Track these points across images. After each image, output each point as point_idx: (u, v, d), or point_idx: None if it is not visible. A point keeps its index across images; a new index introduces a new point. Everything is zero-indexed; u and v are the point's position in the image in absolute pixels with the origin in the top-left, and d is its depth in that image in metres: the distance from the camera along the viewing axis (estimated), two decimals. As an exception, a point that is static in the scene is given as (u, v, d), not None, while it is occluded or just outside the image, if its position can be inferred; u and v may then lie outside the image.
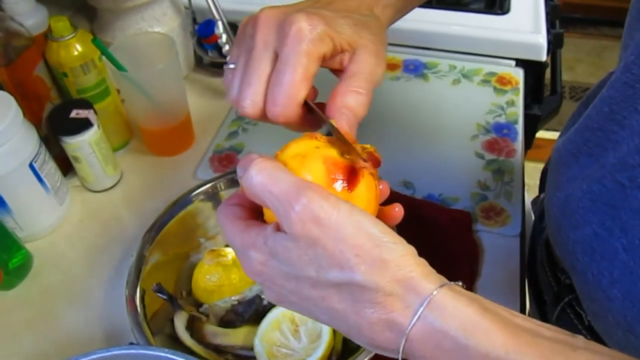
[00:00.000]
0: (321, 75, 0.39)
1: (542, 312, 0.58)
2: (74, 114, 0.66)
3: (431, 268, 0.31)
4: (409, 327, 0.29)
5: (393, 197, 0.69)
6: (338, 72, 0.40)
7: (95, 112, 0.67)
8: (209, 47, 0.88)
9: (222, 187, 0.62)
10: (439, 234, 0.65)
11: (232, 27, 0.71)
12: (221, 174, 0.63)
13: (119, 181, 0.75)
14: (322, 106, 0.39)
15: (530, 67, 0.87)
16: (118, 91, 0.76)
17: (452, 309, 0.29)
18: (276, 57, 0.37)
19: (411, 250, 0.31)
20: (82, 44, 0.67)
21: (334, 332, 0.53)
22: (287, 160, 0.34)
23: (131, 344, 0.57)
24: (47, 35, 0.67)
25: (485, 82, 0.85)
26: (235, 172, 0.63)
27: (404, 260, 0.30)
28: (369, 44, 0.40)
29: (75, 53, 0.67)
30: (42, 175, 0.64)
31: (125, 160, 0.77)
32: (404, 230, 0.58)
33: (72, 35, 0.66)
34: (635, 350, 0.43)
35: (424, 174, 0.73)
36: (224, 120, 0.83)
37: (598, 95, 0.53)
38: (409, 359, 0.31)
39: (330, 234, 0.29)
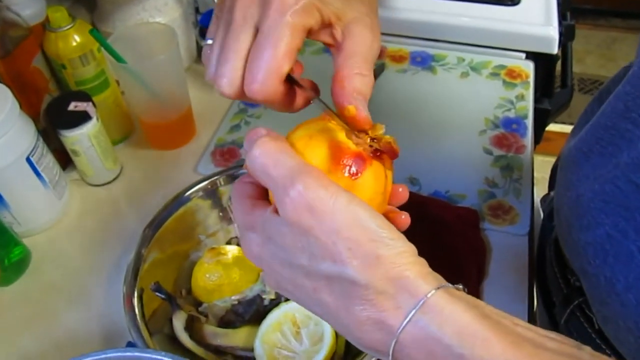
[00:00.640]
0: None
1: (550, 315, 0.56)
2: (72, 106, 0.65)
3: (430, 269, 0.30)
4: (399, 330, 0.28)
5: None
6: (331, 47, 0.38)
7: (94, 105, 0.66)
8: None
9: (222, 183, 0.61)
10: (445, 232, 0.63)
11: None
12: (220, 170, 0.62)
13: (118, 175, 0.73)
14: (307, 83, 0.37)
15: (541, 60, 0.85)
16: (117, 83, 0.74)
17: (448, 314, 0.27)
18: (256, 32, 0.34)
19: (410, 248, 0.29)
20: (80, 34, 0.66)
21: (336, 334, 0.51)
22: (295, 141, 0.33)
23: (129, 343, 0.56)
24: (45, 26, 0.65)
25: (494, 75, 0.83)
26: (235, 167, 0.62)
27: (400, 258, 0.28)
28: (363, 17, 0.37)
29: (74, 44, 0.65)
30: (39, 170, 0.63)
31: (126, 154, 0.76)
32: (409, 227, 0.57)
33: (70, 26, 0.65)
34: None
35: (431, 170, 0.71)
36: (226, 113, 0.81)
37: (613, 92, 0.51)
38: None
39: (324, 224, 0.28)
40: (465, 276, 0.61)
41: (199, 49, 0.88)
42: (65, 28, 0.64)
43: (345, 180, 0.32)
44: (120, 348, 0.44)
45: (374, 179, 0.33)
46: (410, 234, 0.55)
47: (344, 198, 0.28)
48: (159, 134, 0.75)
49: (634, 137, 0.42)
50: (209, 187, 0.60)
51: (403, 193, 0.37)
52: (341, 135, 0.33)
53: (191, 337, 0.53)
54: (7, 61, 0.62)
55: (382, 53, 0.88)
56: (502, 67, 0.84)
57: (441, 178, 0.70)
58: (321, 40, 0.37)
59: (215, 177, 0.60)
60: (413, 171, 0.71)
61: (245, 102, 0.81)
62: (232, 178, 0.61)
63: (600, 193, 0.43)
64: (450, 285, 0.29)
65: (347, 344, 0.52)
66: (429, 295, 0.27)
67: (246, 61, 0.34)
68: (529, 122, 0.76)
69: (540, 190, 0.75)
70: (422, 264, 0.29)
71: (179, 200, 0.59)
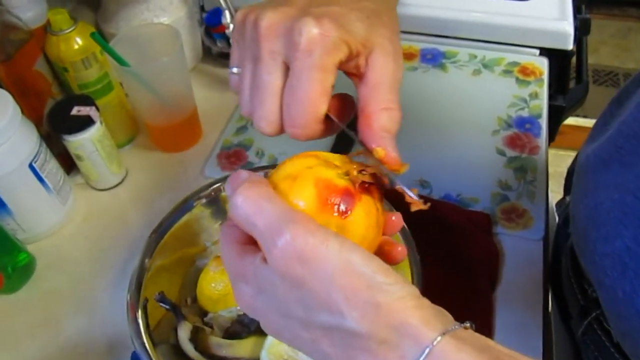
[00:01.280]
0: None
1: (567, 327, 0.55)
2: (75, 111, 0.64)
3: (435, 309, 0.27)
4: None
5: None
6: (352, 75, 0.36)
7: (98, 109, 0.65)
8: (218, 37, 0.85)
9: (225, 189, 0.60)
10: (457, 237, 0.62)
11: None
12: (223, 177, 0.60)
13: (124, 179, 0.72)
14: (344, 101, 0.36)
15: (555, 56, 0.83)
16: (121, 85, 0.73)
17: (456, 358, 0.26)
18: (286, 68, 0.33)
19: (411, 290, 0.27)
20: (82, 37, 0.64)
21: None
22: (278, 182, 0.31)
23: (134, 354, 0.55)
24: (46, 29, 0.64)
25: (507, 72, 0.80)
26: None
27: (400, 304, 0.26)
28: (386, 43, 0.36)
29: (76, 47, 0.64)
30: (42, 176, 0.62)
31: (131, 157, 0.75)
32: (420, 233, 0.55)
33: (72, 29, 0.63)
34: None
35: (442, 172, 0.69)
36: (232, 113, 0.79)
37: (634, 99, 0.49)
38: None
39: (317, 273, 0.26)
40: (478, 283, 0.59)
41: (205, 48, 0.87)
42: (67, 31, 0.63)
43: (335, 220, 0.30)
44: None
45: (365, 213, 0.32)
46: (420, 239, 0.54)
47: (335, 243, 0.27)
48: (165, 136, 0.74)
49: None
50: (213, 194, 0.59)
51: (397, 221, 0.35)
52: (327, 172, 0.31)
53: (196, 347, 0.51)
54: (9, 65, 0.60)
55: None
56: (515, 64, 0.81)
57: (452, 180, 0.68)
58: (345, 70, 0.35)
59: (219, 184, 0.59)
60: (423, 173, 0.69)
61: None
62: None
63: (620, 204, 0.42)
64: (457, 325, 0.27)
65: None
66: (434, 342, 0.26)
67: (281, 100, 0.34)
68: (543, 121, 0.74)
69: (554, 185, 0.73)
70: (426, 307, 0.27)
71: (183, 207, 0.57)
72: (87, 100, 0.65)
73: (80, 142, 0.64)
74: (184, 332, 0.51)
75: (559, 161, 0.67)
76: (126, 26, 0.76)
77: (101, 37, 0.64)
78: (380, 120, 0.34)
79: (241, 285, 0.30)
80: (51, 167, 0.64)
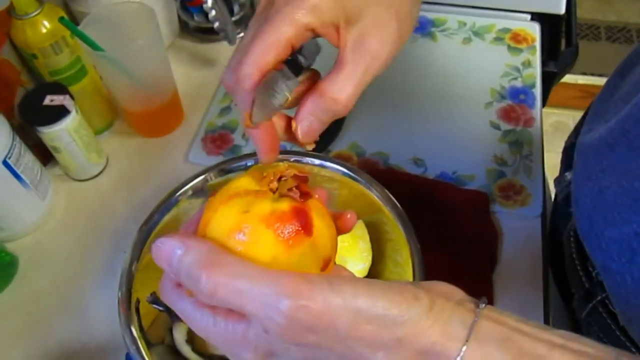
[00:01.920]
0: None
1: (569, 307, 0.54)
2: (47, 100, 0.60)
3: (449, 310, 0.27)
4: None
5: (403, 178, 0.65)
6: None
7: (72, 97, 0.61)
8: (195, 11, 0.80)
9: (212, 178, 0.57)
10: (455, 218, 0.60)
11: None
12: (208, 167, 0.57)
13: (104, 168, 0.69)
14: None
15: (547, 21, 0.80)
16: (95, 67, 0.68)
17: None
18: None
19: (422, 307, 0.26)
20: (50, 20, 0.60)
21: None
22: (226, 243, 0.28)
23: (127, 355, 0.53)
24: (10, 12, 0.59)
25: (498, 40, 0.78)
26: (225, 162, 0.58)
27: (419, 329, 0.26)
28: (376, 24, 0.34)
29: (44, 31, 0.60)
30: (18, 172, 0.58)
31: (110, 144, 0.71)
32: (417, 214, 0.54)
33: (37, 12, 0.59)
34: None
35: (436, 149, 0.67)
36: (214, 93, 0.76)
37: (636, 65, 0.47)
38: None
39: (331, 336, 0.25)
40: (477, 264, 0.58)
41: (181, 22, 0.82)
42: (33, 14, 0.58)
43: (307, 244, 0.28)
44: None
45: (321, 216, 0.30)
46: (418, 221, 0.52)
47: (336, 299, 0.25)
48: (145, 121, 0.70)
49: None
50: (199, 185, 0.56)
51: (352, 218, 0.35)
52: (263, 205, 0.28)
53: (193, 349, 0.50)
54: (-29, 55, 0.56)
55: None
56: (506, 30, 0.79)
57: (447, 157, 0.66)
58: (325, 37, 0.34)
59: (205, 174, 0.56)
60: (417, 151, 0.67)
61: (234, 81, 0.76)
62: (224, 172, 0.57)
63: (629, 190, 0.40)
64: (476, 317, 0.26)
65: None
66: (462, 353, 0.25)
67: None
68: (537, 91, 0.72)
69: (548, 145, 0.70)
70: (441, 319, 0.26)
71: (169, 202, 0.55)
72: (60, 89, 0.61)
73: (56, 134, 0.60)
74: (179, 334, 0.50)
75: (547, 118, 0.66)
76: (96, 4, 0.70)
77: (70, 18, 0.59)
78: (316, 104, 0.33)
79: (244, 354, 0.27)
80: (27, 161, 0.60)
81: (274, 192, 0.30)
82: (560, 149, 0.62)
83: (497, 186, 0.63)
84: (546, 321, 0.55)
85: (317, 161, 0.54)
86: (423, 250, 0.51)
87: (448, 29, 0.80)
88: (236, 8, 0.79)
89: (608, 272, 0.44)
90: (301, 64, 0.33)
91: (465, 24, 0.80)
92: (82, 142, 0.63)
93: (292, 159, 0.55)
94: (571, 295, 0.53)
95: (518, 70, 0.74)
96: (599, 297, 0.47)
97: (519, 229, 0.61)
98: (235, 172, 0.57)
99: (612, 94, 0.51)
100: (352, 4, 0.33)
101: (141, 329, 0.50)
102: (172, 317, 0.50)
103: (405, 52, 0.77)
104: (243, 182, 0.31)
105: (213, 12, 0.70)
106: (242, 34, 0.78)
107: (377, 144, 0.68)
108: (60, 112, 0.60)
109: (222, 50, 0.81)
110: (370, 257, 0.56)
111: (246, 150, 0.68)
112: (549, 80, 0.85)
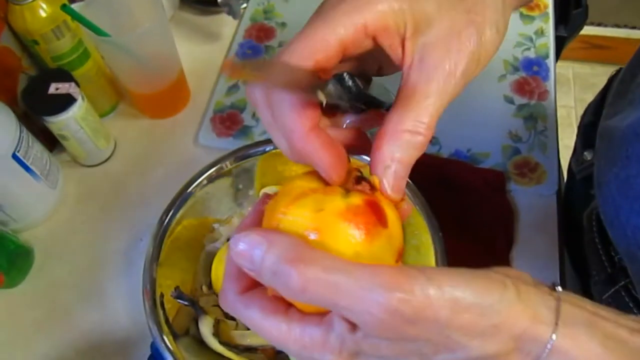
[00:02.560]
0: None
1: (586, 286, 0.55)
2: (53, 89, 0.58)
3: (535, 295, 0.27)
4: None
5: (419, 159, 0.64)
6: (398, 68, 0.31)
7: (77, 84, 0.59)
8: (194, -19, 0.77)
9: (228, 166, 0.56)
10: (471, 199, 0.60)
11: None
12: (221, 157, 0.56)
13: (113, 152, 0.68)
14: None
15: (559, -16, 0.78)
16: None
17: (576, 352, 0.26)
18: None
19: (512, 294, 0.26)
20: (49, 4, 0.57)
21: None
22: (304, 239, 0.27)
23: (153, 344, 0.54)
24: (7, -3, 0.57)
25: (510, 7, 0.75)
26: (240, 150, 0.57)
27: (512, 315, 0.25)
28: (457, 31, 0.29)
29: (44, 15, 0.57)
30: (28, 164, 0.57)
31: (117, 127, 0.69)
32: (432, 195, 0.53)
33: (36, -5, 0.56)
34: None
35: (449, 125, 0.66)
36: (220, 70, 0.74)
37: None
38: None
39: (431, 327, 0.24)
40: (495, 245, 0.58)
41: (181, -7, 0.79)
42: (31, -1, 0.56)
43: (385, 236, 0.27)
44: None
45: (391, 208, 0.29)
46: (434, 202, 0.52)
47: (434, 290, 0.24)
48: (152, 103, 0.68)
49: None
50: (214, 174, 0.55)
51: (408, 208, 0.31)
52: (339, 201, 0.27)
53: (219, 340, 0.50)
54: (-30, 44, 0.54)
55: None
56: (518, -4, 0.76)
57: (461, 134, 0.65)
58: (386, 49, 0.29)
59: (220, 163, 0.55)
60: (431, 129, 0.66)
61: (242, 57, 0.74)
62: (238, 159, 0.57)
63: (659, 181, 0.40)
64: (557, 300, 0.27)
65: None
66: (553, 336, 0.26)
67: None
68: (551, 62, 0.70)
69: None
70: (529, 303, 0.26)
71: (184, 195, 0.54)
72: (65, 76, 0.59)
73: (64, 123, 0.59)
74: (206, 327, 0.50)
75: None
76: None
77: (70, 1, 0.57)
78: (393, 146, 0.28)
79: (324, 357, 0.26)
80: (35, 152, 0.59)
81: (347, 190, 0.29)
82: (561, 103, 0.61)
83: (513, 163, 0.63)
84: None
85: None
86: (443, 232, 0.51)
87: (458, -4, 0.77)
88: (238, -22, 0.76)
89: (633, 259, 0.44)
90: (351, 86, 0.29)
91: (475, -9, 0.77)
92: (90, 129, 0.62)
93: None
94: (588, 275, 0.53)
95: (531, 39, 0.72)
96: (622, 283, 0.48)
97: (535, 207, 0.61)
98: (253, 158, 0.57)
99: (634, 75, 0.50)
100: (423, 8, 0.28)
101: (167, 321, 0.51)
102: (197, 311, 0.51)
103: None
104: (302, 182, 0.29)
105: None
106: (245, 5, 0.76)
107: (390, 121, 0.66)
108: (67, 101, 0.58)
109: (225, 22, 0.78)
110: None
111: (257, 131, 0.67)
112: (559, 44, 0.83)
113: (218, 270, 0.53)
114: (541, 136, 0.64)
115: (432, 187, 0.54)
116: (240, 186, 0.58)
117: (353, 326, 0.25)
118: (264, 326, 0.27)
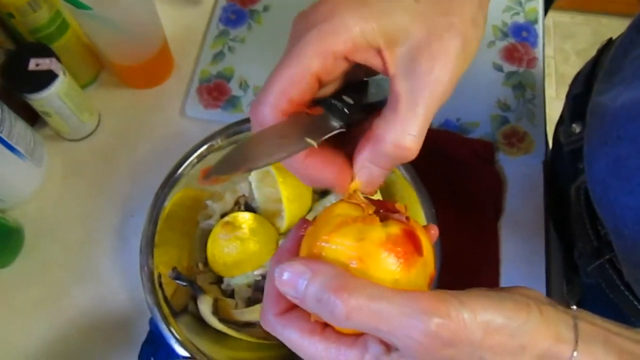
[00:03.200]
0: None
1: (569, 255, 0.57)
2: (33, 65, 0.56)
3: (556, 315, 0.28)
4: None
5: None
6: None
7: (58, 59, 0.57)
8: (172, -60, 0.73)
9: (219, 143, 0.55)
10: (460, 170, 0.61)
11: None
12: (212, 134, 0.55)
13: (97, 125, 0.66)
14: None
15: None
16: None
17: None
18: None
19: (536, 315, 0.27)
20: (23, -26, 0.54)
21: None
22: (346, 267, 0.28)
23: (152, 320, 0.55)
24: (-23, -33, 0.53)
25: (499, -32, 0.74)
26: (230, 127, 0.56)
27: (537, 335, 0.27)
28: (438, 39, 0.29)
29: (18, -14, 0.54)
30: (12, 143, 0.56)
31: (100, 99, 0.67)
32: (421, 165, 0.54)
33: (9, -34, 0.53)
34: None
35: (439, 94, 0.66)
36: (203, 37, 0.71)
37: None
38: None
39: (466, 349, 0.26)
40: (483, 215, 0.60)
41: (159, -47, 0.75)
42: (4, -31, 0.53)
43: (421, 264, 0.28)
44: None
45: (424, 235, 0.30)
46: (422, 172, 0.53)
47: (468, 313, 0.26)
48: (135, 74, 0.66)
49: None
50: (205, 152, 0.55)
51: (435, 233, 0.33)
52: (377, 230, 0.28)
53: (219, 318, 0.51)
54: (-57, 20, 0.51)
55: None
56: (507, -44, 0.75)
57: (450, 103, 0.63)
58: (368, 65, 0.30)
59: (211, 141, 0.55)
60: (420, 98, 0.65)
61: (225, 23, 0.71)
62: (229, 135, 0.56)
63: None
64: (572, 317, 0.28)
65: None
66: (574, 355, 0.27)
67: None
68: (539, 28, 0.70)
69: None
70: (550, 323, 0.28)
71: (176, 175, 0.54)
72: (45, 50, 0.56)
73: (46, 100, 0.57)
74: (205, 307, 0.51)
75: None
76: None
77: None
78: (373, 152, 0.30)
79: None
80: (19, 131, 0.57)
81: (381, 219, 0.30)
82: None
83: (501, 133, 0.63)
84: (548, 269, 0.58)
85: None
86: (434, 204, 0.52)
87: (446, -44, 0.75)
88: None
89: (619, 236, 0.45)
90: (343, 108, 0.30)
91: (464, -50, 0.75)
92: (73, 104, 0.60)
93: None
94: (572, 245, 0.55)
95: (520, 3, 0.71)
96: (607, 256, 0.49)
97: (522, 177, 0.62)
98: (243, 134, 0.56)
99: (626, 51, 0.50)
100: (393, 22, 0.28)
101: (165, 299, 0.51)
102: (195, 290, 0.51)
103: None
104: (342, 209, 0.30)
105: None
106: (227, -34, 0.72)
107: (380, 91, 0.66)
108: (48, 77, 0.56)
109: (207, -16, 0.75)
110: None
111: (245, 102, 0.66)
112: (547, 5, 0.83)
113: (213, 249, 0.53)
114: (529, 105, 0.65)
115: (421, 158, 0.54)
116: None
117: (388, 347, 0.27)
118: (302, 345, 0.28)
